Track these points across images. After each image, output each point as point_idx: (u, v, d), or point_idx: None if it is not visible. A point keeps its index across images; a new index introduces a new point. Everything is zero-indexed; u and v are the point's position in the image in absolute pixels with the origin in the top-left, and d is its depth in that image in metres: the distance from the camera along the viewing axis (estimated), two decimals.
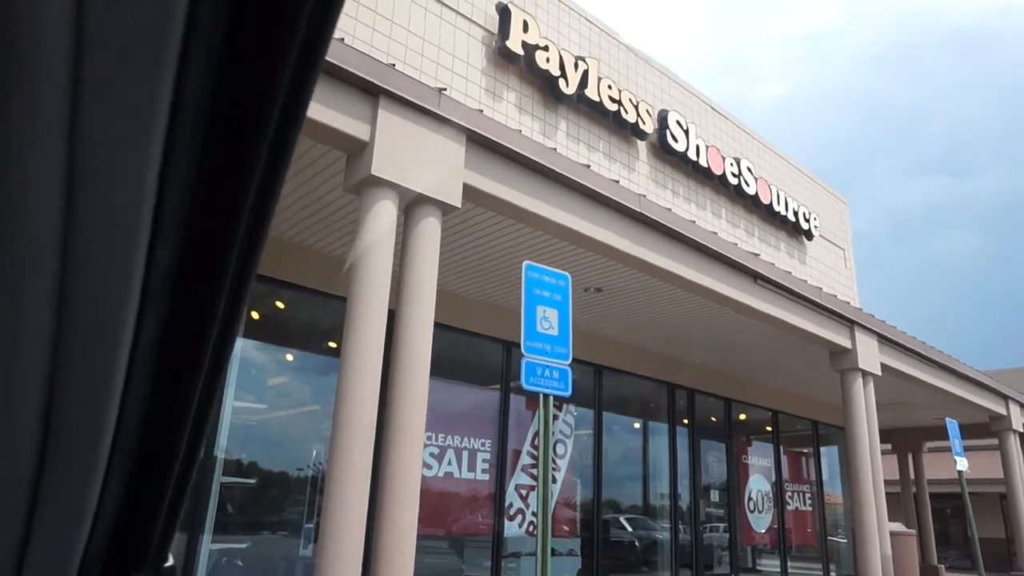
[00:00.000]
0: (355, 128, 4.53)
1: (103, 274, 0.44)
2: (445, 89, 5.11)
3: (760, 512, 12.19)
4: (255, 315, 6.62)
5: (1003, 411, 13.17)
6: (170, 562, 0.61)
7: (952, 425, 8.85)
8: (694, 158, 10.46)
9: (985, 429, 13.44)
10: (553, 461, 8.90)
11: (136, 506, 0.54)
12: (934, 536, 15.79)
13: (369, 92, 4.64)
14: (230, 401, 6.20)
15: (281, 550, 6.74)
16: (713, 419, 11.84)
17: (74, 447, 0.49)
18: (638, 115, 9.64)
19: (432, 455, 7.56)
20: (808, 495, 13.53)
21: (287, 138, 0.51)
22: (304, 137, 4.77)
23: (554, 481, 8.95)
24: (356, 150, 4.64)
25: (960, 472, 8.48)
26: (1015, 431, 13.34)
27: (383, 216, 4.53)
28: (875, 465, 8.99)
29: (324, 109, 4.39)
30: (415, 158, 4.72)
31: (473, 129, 5.10)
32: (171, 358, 0.52)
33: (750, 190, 11.46)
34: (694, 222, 7.40)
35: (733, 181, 11.17)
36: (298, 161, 5.28)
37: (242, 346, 6.40)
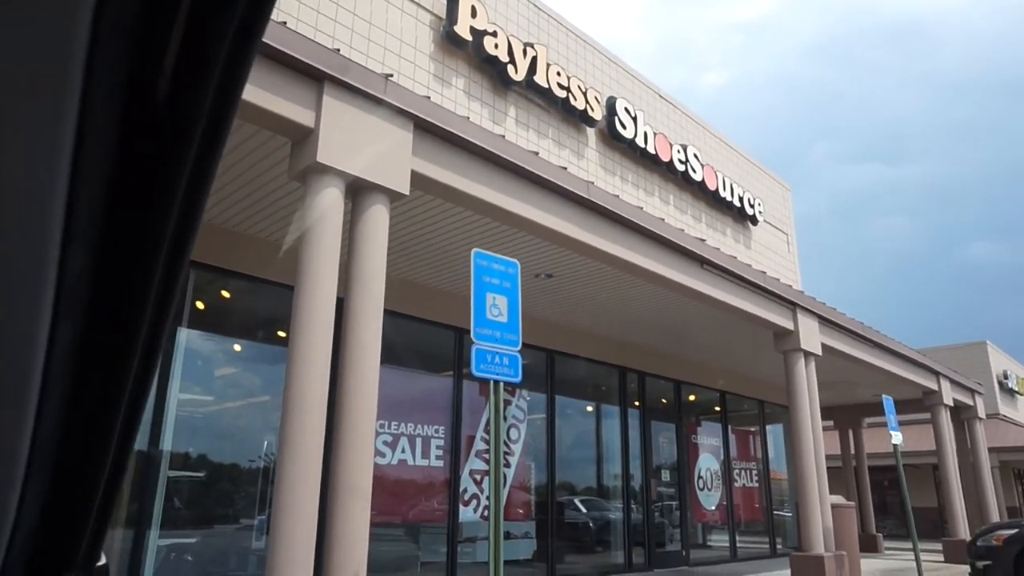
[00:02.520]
0: (299, 115, 4.46)
1: (10, 279, 0.43)
2: (392, 75, 5.06)
3: (709, 490, 12.54)
4: (200, 305, 6.48)
5: (935, 387, 13.80)
6: (102, 561, 0.61)
7: (888, 401, 9.24)
8: (642, 145, 10.60)
9: (919, 404, 14.08)
10: (507, 446, 8.98)
11: (64, 508, 0.53)
12: (873, 507, 16.52)
13: (314, 78, 4.57)
14: (175, 393, 6.07)
15: (233, 543, 6.65)
16: (663, 401, 12.10)
17: None
18: (587, 102, 9.71)
19: (385, 443, 7.55)
20: (755, 472, 13.98)
21: (221, 125, 0.49)
22: (247, 123, 4.68)
23: (508, 465, 9.04)
24: (301, 137, 4.58)
25: (895, 446, 8.87)
26: (946, 406, 14.01)
27: (329, 203, 4.49)
28: (817, 441, 9.35)
29: (267, 95, 4.31)
30: (361, 145, 4.68)
31: (420, 116, 5.07)
32: (94, 362, 0.51)
33: (697, 177, 11.69)
34: (642, 208, 7.51)
35: (680, 168, 11.37)
36: (242, 146, 5.18)
37: (187, 337, 6.27)
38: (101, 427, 0.52)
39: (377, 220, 4.77)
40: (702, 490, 12.37)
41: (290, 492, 4.13)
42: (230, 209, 6.13)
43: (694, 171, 11.63)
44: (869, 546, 14.74)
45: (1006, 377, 25.22)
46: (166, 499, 5.96)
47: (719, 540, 12.80)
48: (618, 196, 7.12)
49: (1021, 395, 26.53)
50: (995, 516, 14.34)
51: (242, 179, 5.62)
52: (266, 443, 6.84)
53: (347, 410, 4.44)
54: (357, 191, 4.75)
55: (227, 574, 6.60)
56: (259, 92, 4.27)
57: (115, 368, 0.52)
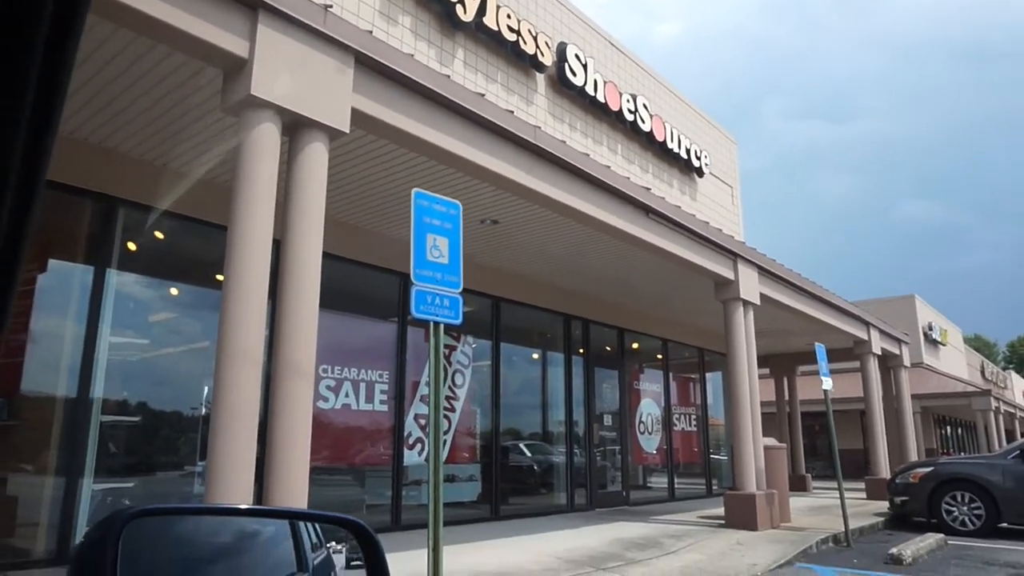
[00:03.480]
0: (232, 43, 4.24)
1: None
2: (331, 6, 4.85)
3: (650, 434, 12.95)
4: (132, 246, 6.23)
5: (865, 336, 14.43)
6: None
7: (820, 349, 9.60)
8: (592, 93, 10.52)
9: (849, 353, 14.71)
10: (452, 391, 9.05)
11: None
12: (803, 449, 17.36)
13: (248, 5, 4.33)
14: (106, 337, 5.87)
15: (172, 488, 6.57)
16: (607, 348, 12.33)
17: None
18: (537, 47, 9.54)
19: (328, 387, 7.51)
20: (694, 417, 14.48)
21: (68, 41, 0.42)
22: (177, 52, 4.43)
23: (452, 410, 9.12)
24: (234, 68, 4.36)
25: (825, 391, 9.27)
26: (875, 354, 14.69)
27: (264, 139, 4.32)
28: (753, 387, 9.70)
29: (197, 21, 4.07)
30: (299, 79, 4.49)
31: (362, 51, 4.89)
32: None
33: (645, 127, 11.69)
34: (588, 155, 7.49)
35: (629, 118, 11.34)
36: (172, 76, 4.92)
37: (118, 279, 6.03)
38: None
39: (315, 158, 4.63)
40: (643, 434, 12.77)
41: (227, 436, 4.06)
42: (162, 144, 5.86)
43: (643, 121, 11.62)
44: (798, 486, 15.54)
45: (931, 329, 26.52)
46: (99, 445, 5.82)
47: (658, 481, 13.30)
48: (565, 143, 7.07)
49: (944, 345, 28.00)
50: (914, 457, 15.26)
51: (173, 112, 5.36)
52: (206, 390, 6.71)
53: (286, 354, 4.37)
54: (294, 128, 4.58)
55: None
56: (188, 18, 4.03)
57: None
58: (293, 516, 0.82)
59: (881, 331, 15.29)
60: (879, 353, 14.97)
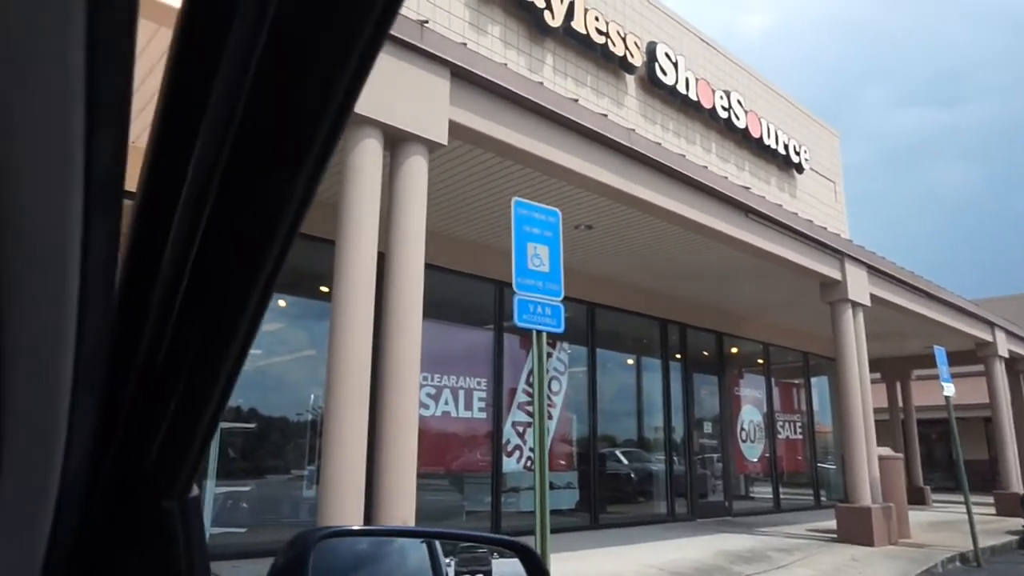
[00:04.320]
0: None
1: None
2: (427, 21, 4.95)
3: (752, 442, 12.49)
4: None
5: (989, 338, 13.38)
6: (195, 492, 0.62)
7: (940, 352, 8.97)
8: (683, 92, 10.28)
9: (971, 356, 13.68)
10: (549, 398, 9.03)
11: (170, 436, 0.53)
12: (920, 459, 16.26)
13: None
14: None
15: (285, 492, 6.88)
16: (705, 353, 11.99)
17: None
18: (626, 48, 9.42)
19: (429, 395, 7.65)
20: (799, 424, 13.85)
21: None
22: None
23: (550, 417, 9.10)
24: None
25: (947, 397, 8.65)
26: (1001, 357, 13.60)
27: (368, 155, 4.45)
28: (865, 393, 9.17)
29: None
30: (398, 94, 4.61)
31: (457, 63, 4.97)
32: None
33: (740, 123, 11.32)
34: (684, 156, 7.31)
35: (723, 115, 11.01)
36: None
37: None
38: (213, 357, 0.52)
39: (416, 171, 4.73)
40: (745, 442, 12.32)
41: (338, 442, 4.21)
42: None
43: (737, 118, 11.26)
44: (916, 499, 14.56)
45: None
46: (221, 450, 6.16)
47: (762, 491, 12.79)
48: (660, 144, 6.93)
49: None
50: None
51: None
52: (312, 396, 6.99)
53: (391, 363, 4.48)
54: (395, 142, 4.70)
55: (280, 520, 6.83)
56: None
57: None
58: (463, 538, 0.84)
59: (1008, 332, 14.14)
60: (1006, 356, 13.85)
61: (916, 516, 11.10)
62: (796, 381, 14.15)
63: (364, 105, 4.41)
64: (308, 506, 6.74)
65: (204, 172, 0.44)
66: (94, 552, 0.55)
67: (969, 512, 8.11)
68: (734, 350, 12.52)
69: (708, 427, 11.76)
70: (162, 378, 0.52)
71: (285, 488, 6.88)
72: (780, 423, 13.29)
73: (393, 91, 4.59)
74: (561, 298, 4.18)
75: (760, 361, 13.13)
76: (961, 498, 8.61)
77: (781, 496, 12.75)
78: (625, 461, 10.47)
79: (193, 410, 0.53)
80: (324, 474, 4.25)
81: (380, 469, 4.47)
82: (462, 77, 5.06)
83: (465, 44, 5.28)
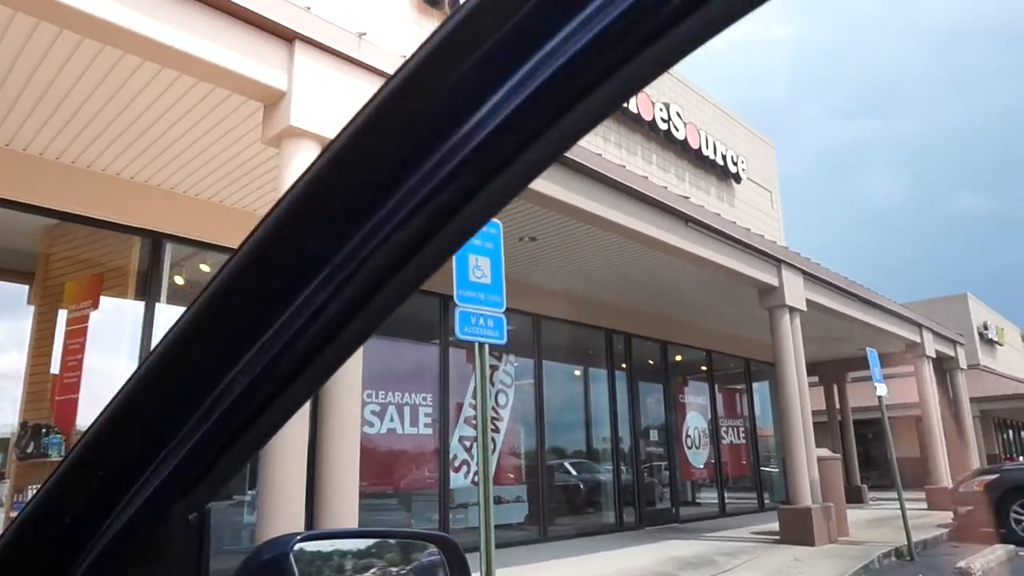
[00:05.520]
0: (271, 76, 4.31)
1: None
2: (365, 34, 4.90)
3: (698, 448, 12.69)
4: (179, 280, 6.35)
5: (918, 339, 13.97)
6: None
7: (872, 354, 9.31)
8: (624, 104, 10.45)
9: (902, 358, 14.25)
10: (495, 411, 8.99)
11: (218, 455, 0.55)
12: (857, 458, 16.82)
13: (284, 38, 4.41)
14: None
15: (225, 519, 6.64)
16: (650, 362, 12.15)
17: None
18: None
19: (373, 412, 7.52)
20: (742, 429, 14.16)
21: None
22: (219, 88, 4.52)
23: (496, 431, 9.06)
24: (273, 100, 4.43)
25: (880, 398, 8.97)
26: (929, 357, 14.21)
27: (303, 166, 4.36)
28: (803, 395, 9.44)
29: (236, 56, 4.15)
30: (337, 107, 4.54)
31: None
32: None
33: (680, 135, 11.58)
34: (625, 167, 7.42)
35: (663, 127, 11.25)
36: (214, 112, 5.02)
37: (166, 313, 6.14)
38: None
39: None
40: (690, 448, 12.51)
41: (276, 465, 4.08)
42: (207, 179, 5.98)
43: (676, 129, 11.52)
44: (854, 497, 15.04)
45: (986, 328, 25.63)
46: None
47: (708, 497, 13.00)
48: (601, 155, 7.02)
49: (1001, 345, 27.01)
50: (976, 464, 14.66)
51: (215, 148, 5.46)
52: None
53: (331, 383, 4.38)
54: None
55: (221, 548, 6.59)
56: (227, 53, 4.11)
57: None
58: (389, 536, 0.88)
59: (935, 333, 14.79)
60: (933, 356, 14.47)
61: (854, 514, 11.45)
62: (739, 387, 14.47)
63: (300, 117, 4.33)
64: (249, 532, 6.52)
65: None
66: (121, 559, 0.56)
67: (903, 508, 8.41)
68: (678, 358, 12.73)
69: (654, 435, 11.90)
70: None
71: (225, 515, 6.65)
72: (724, 428, 13.56)
73: (332, 105, 4.52)
74: (503, 309, 4.17)
75: (704, 368, 13.38)
76: (896, 495, 8.93)
77: (726, 500, 12.98)
78: (574, 472, 10.50)
79: (249, 431, 0.54)
80: (263, 499, 4.11)
81: (321, 491, 4.36)
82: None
83: (404, 56, 5.25)
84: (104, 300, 5.86)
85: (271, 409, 0.53)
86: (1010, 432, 29.99)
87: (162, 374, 0.55)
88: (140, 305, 5.95)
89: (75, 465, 0.58)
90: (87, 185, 5.65)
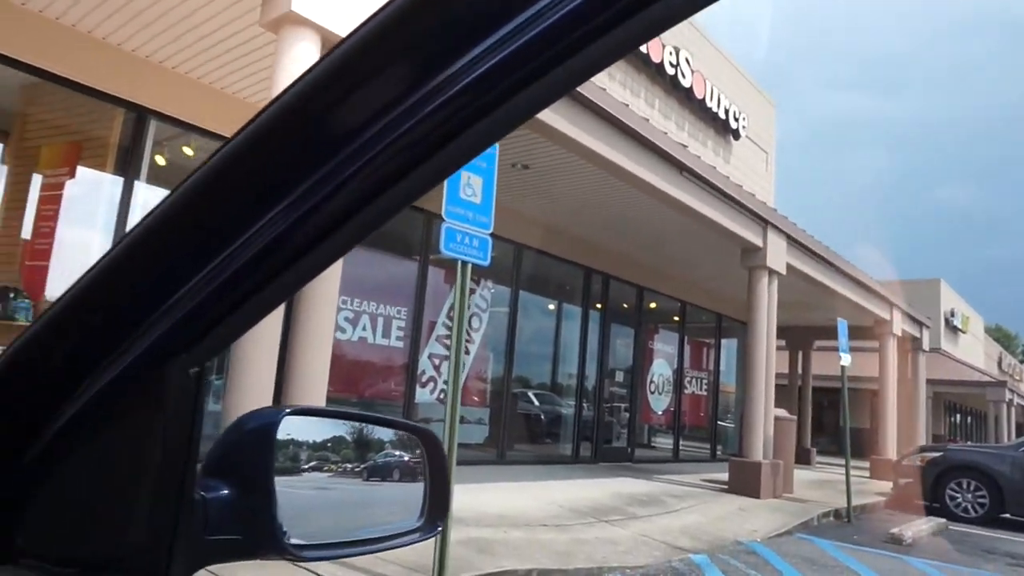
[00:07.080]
0: None
1: None
2: None
3: (660, 394, 12.97)
4: (160, 160, 6.16)
5: (888, 317, 14.23)
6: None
7: (843, 325, 9.47)
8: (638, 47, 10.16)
9: (869, 332, 14.52)
10: (468, 334, 9.05)
11: (221, 311, 0.55)
12: (811, 423, 17.35)
13: None
14: None
15: None
16: (625, 305, 12.25)
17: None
18: None
19: (347, 319, 7.52)
20: (705, 382, 14.47)
21: None
22: None
23: (467, 353, 9.14)
24: None
25: (843, 367, 9.18)
26: (894, 335, 14.51)
27: (302, 60, 4.19)
28: (769, 356, 9.62)
29: None
30: (341, 1, 4.33)
31: None
32: None
33: (686, 82, 11.34)
34: (627, 106, 7.27)
35: (670, 71, 11.00)
36: None
37: (144, 193, 5.98)
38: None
39: None
40: (653, 394, 12.79)
41: (247, 361, 4.07)
42: (199, 56, 5.73)
43: (683, 76, 11.27)
44: (803, 459, 15.55)
45: (953, 315, 26.19)
46: None
47: (664, 442, 13.38)
48: (604, 90, 6.85)
49: (964, 333, 27.67)
50: (923, 441, 15.20)
51: (212, 24, 5.22)
52: None
53: (309, 288, 4.33)
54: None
55: None
56: None
57: None
58: (376, 422, 0.88)
59: (904, 312, 15.06)
60: (899, 335, 14.78)
61: (800, 475, 11.88)
62: (708, 341, 14.71)
63: (301, 4, 4.13)
64: (213, 419, 6.56)
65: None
66: (116, 405, 0.57)
67: (847, 473, 8.73)
68: (652, 305, 12.85)
69: (620, 376, 12.11)
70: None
71: None
72: (688, 379, 13.84)
73: None
74: (490, 231, 4.12)
75: (676, 318, 13.54)
76: (842, 461, 9.25)
77: (681, 447, 13.38)
78: (536, 403, 10.70)
79: (261, 294, 0.54)
80: (230, 387, 4.12)
81: (289, 388, 4.37)
82: None
83: None
84: (81, 170, 5.68)
85: (276, 281, 0.53)
86: (958, 416, 31.11)
87: (176, 223, 0.55)
88: (119, 180, 5.78)
89: (77, 301, 0.57)
90: (72, 46, 5.38)
